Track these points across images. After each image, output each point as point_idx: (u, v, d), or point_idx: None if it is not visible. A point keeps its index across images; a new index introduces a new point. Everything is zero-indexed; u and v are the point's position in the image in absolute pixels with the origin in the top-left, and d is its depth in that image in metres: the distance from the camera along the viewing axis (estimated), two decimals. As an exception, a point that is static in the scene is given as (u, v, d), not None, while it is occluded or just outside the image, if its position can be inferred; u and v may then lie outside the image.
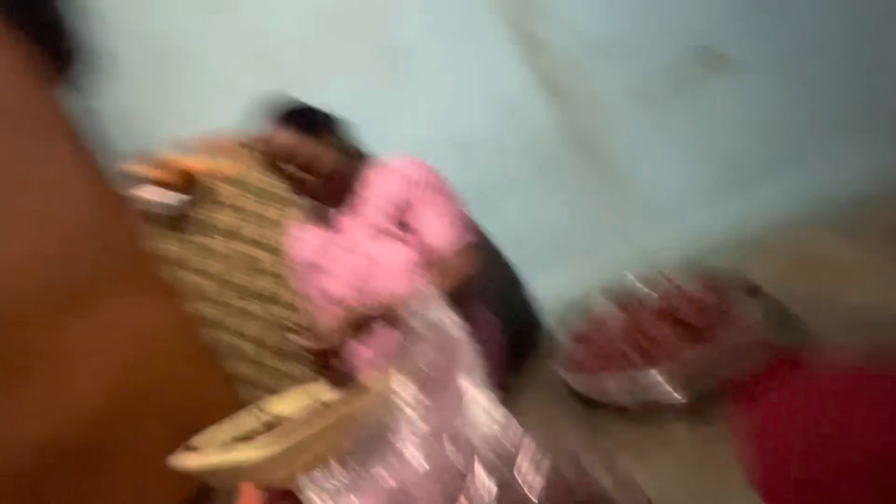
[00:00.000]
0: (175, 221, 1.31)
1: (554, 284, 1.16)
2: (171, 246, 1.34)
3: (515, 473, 0.43)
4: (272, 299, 1.33)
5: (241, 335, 1.35)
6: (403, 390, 0.52)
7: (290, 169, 0.98)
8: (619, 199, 1.13)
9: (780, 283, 0.70)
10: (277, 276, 1.31)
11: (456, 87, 1.13)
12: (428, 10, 1.11)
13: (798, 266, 0.81)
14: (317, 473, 0.49)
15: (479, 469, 0.44)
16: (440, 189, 0.99)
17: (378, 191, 1.00)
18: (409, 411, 0.51)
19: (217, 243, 1.32)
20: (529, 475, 0.43)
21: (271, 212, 1.30)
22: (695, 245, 0.97)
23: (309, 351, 0.86)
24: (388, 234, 0.97)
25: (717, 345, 0.65)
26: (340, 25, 1.18)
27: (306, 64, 1.21)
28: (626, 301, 0.88)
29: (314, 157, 0.98)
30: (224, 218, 1.31)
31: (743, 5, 0.98)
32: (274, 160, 0.99)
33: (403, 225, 0.97)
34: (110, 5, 1.29)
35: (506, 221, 1.17)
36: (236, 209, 1.31)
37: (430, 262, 0.95)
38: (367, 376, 0.88)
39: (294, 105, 1.01)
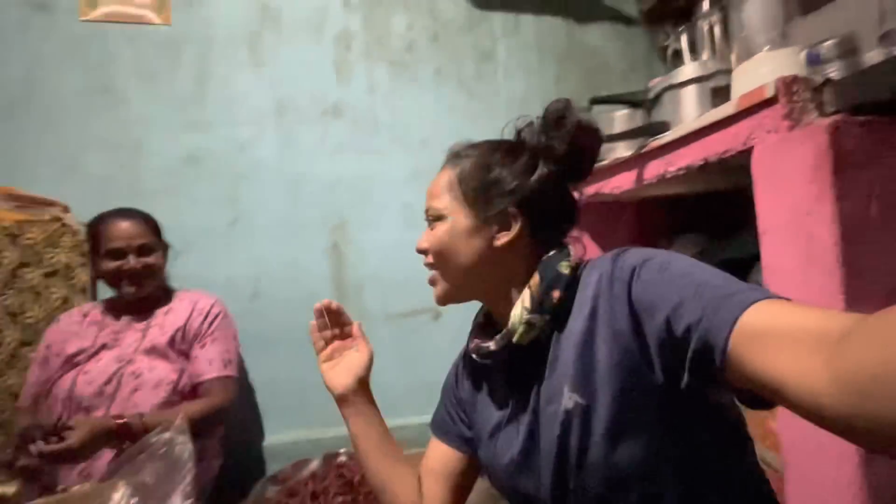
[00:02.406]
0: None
1: (284, 440, 1.31)
2: None
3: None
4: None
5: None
6: (118, 492, 0.67)
7: (117, 258, 1.01)
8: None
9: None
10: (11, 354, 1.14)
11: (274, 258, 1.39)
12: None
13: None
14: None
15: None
16: (222, 324, 1.10)
17: (170, 318, 1.06)
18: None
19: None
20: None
21: (52, 290, 1.18)
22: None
23: (38, 449, 0.79)
24: (162, 355, 1.02)
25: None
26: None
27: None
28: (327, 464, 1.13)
29: (152, 249, 1.06)
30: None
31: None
32: (104, 244, 1.01)
33: (181, 351, 1.05)
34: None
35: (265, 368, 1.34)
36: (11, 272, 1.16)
37: (191, 384, 1.03)
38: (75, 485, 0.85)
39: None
